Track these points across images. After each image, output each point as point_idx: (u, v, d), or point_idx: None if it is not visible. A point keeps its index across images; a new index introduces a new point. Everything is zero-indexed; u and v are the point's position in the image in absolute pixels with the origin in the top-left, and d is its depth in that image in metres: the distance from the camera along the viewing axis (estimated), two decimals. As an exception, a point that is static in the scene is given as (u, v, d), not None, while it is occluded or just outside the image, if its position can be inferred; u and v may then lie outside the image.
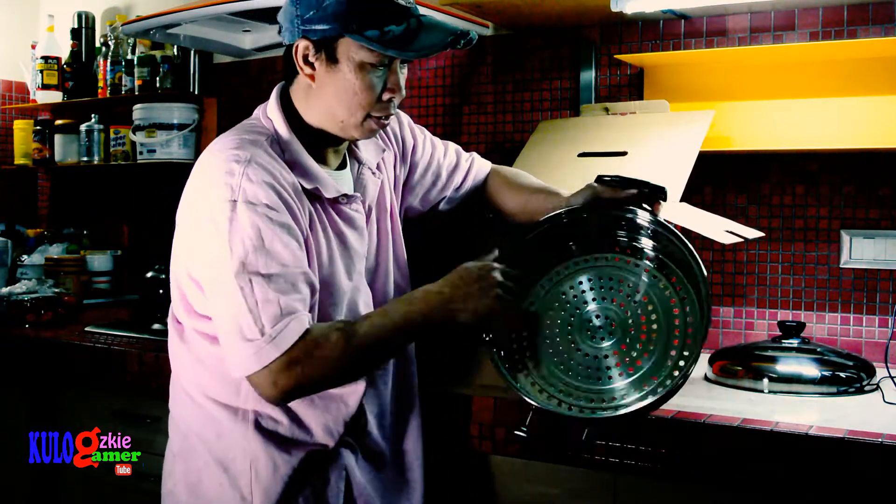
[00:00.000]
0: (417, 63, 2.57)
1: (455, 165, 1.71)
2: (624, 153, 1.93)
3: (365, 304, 1.49)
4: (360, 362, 1.33)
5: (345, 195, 1.44)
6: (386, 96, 1.38)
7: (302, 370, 1.27)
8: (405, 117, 1.69)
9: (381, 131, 1.53)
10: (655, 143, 1.93)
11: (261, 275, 1.28)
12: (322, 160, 1.46)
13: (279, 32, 1.43)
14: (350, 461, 1.48)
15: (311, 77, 1.38)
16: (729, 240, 1.71)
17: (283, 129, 1.41)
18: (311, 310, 1.34)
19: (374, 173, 1.54)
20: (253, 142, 1.37)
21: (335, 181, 1.45)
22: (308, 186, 1.39)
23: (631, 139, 1.97)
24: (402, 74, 1.40)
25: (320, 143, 1.45)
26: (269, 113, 1.44)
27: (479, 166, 1.74)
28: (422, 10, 1.42)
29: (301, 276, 1.32)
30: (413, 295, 1.36)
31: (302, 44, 1.36)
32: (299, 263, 1.32)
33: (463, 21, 2.29)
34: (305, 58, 1.37)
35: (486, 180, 1.74)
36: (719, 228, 1.74)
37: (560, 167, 1.98)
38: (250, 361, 1.27)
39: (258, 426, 1.40)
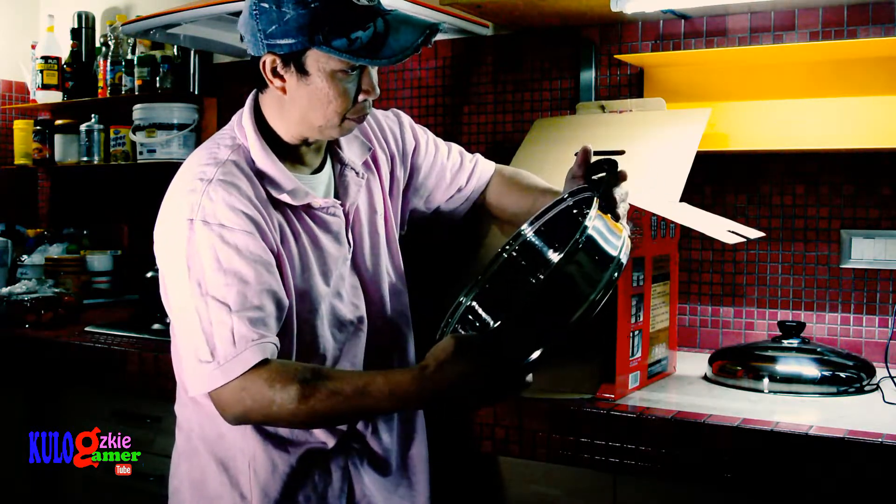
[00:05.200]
0: (418, 63, 2.57)
1: (459, 166, 1.68)
2: (622, 152, 1.92)
3: (350, 308, 1.46)
4: (313, 422, 1.29)
5: (313, 203, 1.41)
6: (361, 98, 1.36)
7: (250, 403, 1.23)
8: (406, 118, 1.66)
9: (377, 131, 1.57)
10: (653, 142, 1.93)
11: (216, 297, 1.26)
12: (300, 161, 1.44)
13: (241, 40, 1.40)
14: (353, 462, 1.48)
15: (283, 90, 1.36)
16: (732, 239, 1.70)
17: (253, 139, 1.39)
18: (283, 322, 1.33)
19: (358, 174, 1.50)
20: (221, 157, 1.37)
21: (309, 185, 1.42)
22: (276, 195, 1.37)
23: (628, 138, 1.96)
24: (375, 73, 1.37)
25: (296, 145, 1.43)
26: (243, 121, 1.42)
27: (483, 167, 1.71)
28: (390, 3, 1.38)
29: (265, 294, 1.28)
30: (403, 376, 1.21)
31: (269, 59, 1.33)
32: (262, 280, 1.28)
33: (462, 21, 2.29)
34: (274, 70, 1.34)
35: (490, 181, 1.72)
36: (721, 228, 1.74)
37: (557, 166, 1.97)
38: (201, 383, 1.25)
39: (257, 426, 1.40)
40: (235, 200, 1.31)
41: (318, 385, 1.21)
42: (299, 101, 1.36)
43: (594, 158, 1.50)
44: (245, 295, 1.26)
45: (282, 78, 1.34)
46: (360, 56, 1.28)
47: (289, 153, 1.43)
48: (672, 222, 1.88)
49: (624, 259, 1.24)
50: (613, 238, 1.27)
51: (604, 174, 1.44)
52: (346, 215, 1.47)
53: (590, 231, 1.22)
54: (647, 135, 1.96)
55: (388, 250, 1.56)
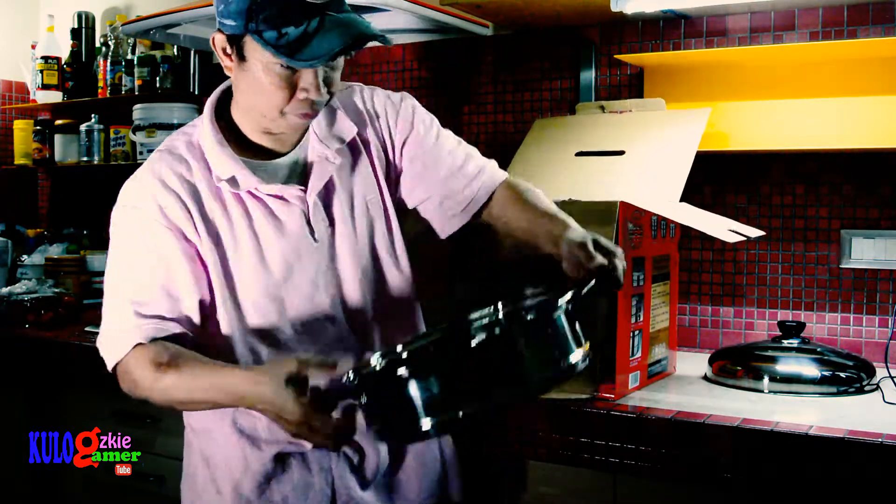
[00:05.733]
0: (418, 63, 2.58)
1: (458, 168, 1.50)
2: (621, 152, 1.93)
3: (310, 303, 1.39)
4: (172, 405, 1.34)
5: (256, 190, 1.37)
6: (301, 96, 1.30)
7: (128, 384, 1.33)
8: (410, 102, 1.53)
9: (371, 111, 1.48)
10: (653, 142, 1.93)
11: (115, 285, 1.35)
12: (260, 146, 1.40)
13: None
14: (338, 467, 1.42)
15: (230, 69, 1.34)
16: (733, 238, 1.71)
17: (207, 124, 1.40)
18: (212, 312, 1.36)
19: (328, 158, 1.41)
20: (173, 144, 1.42)
21: (265, 171, 1.38)
22: (224, 177, 1.36)
23: (628, 138, 1.97)
24: (321, 73, 1.29)
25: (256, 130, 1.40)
26: (207, 104, 1.43)
27: (489, 175, 1.52)
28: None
29: (158, 290, 1.33)
30: (236, 378, 1.25)
31: (218, 37, 1.31)
32: (160, 270, 1.33)
33: (462, 21, 2.29)
34: (224, 50, 1.32)
35: (496, 192, 1.53)
36: (722, 227, 1.74)
37: (558, 167, 1.98)
38: (104, 355, 1.36)
39: (235, 423, 1.40)
40: (159, 189, 1.35)
41: (169, 370, 1.27)
42: (242, 87, 1.34)
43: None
44: (140, 288, 1.33)
45: (230, 58, 1.32)
46: (280, 52, 1.23)
47: (247, 142, 1.40)
48: (672, 222, 1.88)
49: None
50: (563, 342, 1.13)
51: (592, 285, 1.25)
52: (307, 202, 1.39)
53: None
54: (646, 135, 1.96)
55: (387, 240, 1.47)
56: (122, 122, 3.00)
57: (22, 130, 3.30)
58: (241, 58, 1.30)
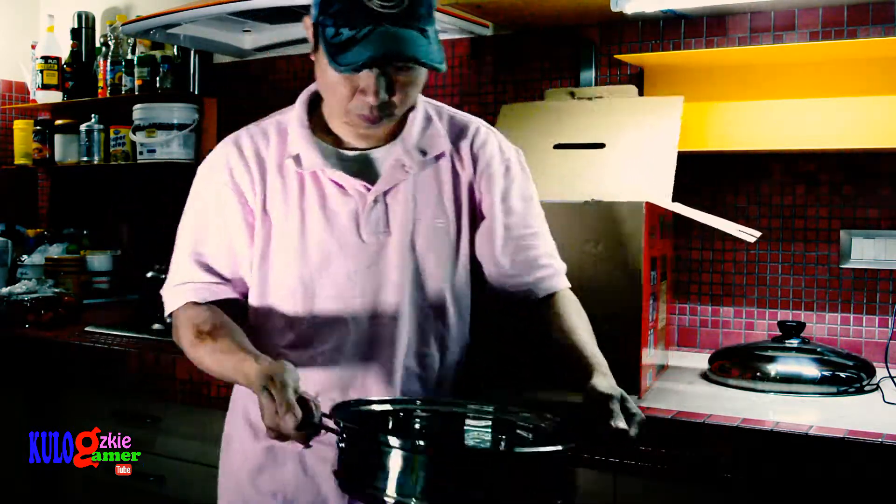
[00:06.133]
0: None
1: (528, 253, 1.43)
2: (602, 145, 1.87)
3: (339, 302, 1.36)
4: (203, 371, 1.38)
5: (321, 174, 1.37)
6: (359, 98, 1.28)
7: (173, 333, 1.41)
8: (515, 156, 1.46)
9: (474, 143, 1.44)
10: (632, 134, 1.86)
11: (182, 238, 1.42)
12: (343, 139, 1.40)
13: None
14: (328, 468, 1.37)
15: (312, 56, 1.34)
16: (744, 236, 1.71)
17: (297, 106, 1.42)
18: (233, 281, 1.40)
19: (405, 165, 1.37)
20: (256, 123, 1.44)
21: (334, 160, 1.37)
22: (291, 154, 1.37)
23: (604, 127, 1.90)
24: (382, 78, 1.25)
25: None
26: (305, 91, 1.45)
27: (551, 277, 1.44)
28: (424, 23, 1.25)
29: (219, 249, 1.39)
30: (250, 365, 1.23)
31: (306, 20, 1.31)
32: (223, 233, 1.39)
33: (462, 21, 2.29)
34: (313, 34, 1.31)
35: (550, 297, 1.44)
36: (734, 228, 1.74)
37: (537, 160, 1.80)
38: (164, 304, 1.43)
39: (244, 411, 1.44)
40: (233, 154, 1.39)
41: (206, 341, 1.33)
42: (317, 75, 1.34)
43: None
44: (203, 241, 1.39)
45: (316, 43, 1.30)
46: (328, 50, 1.23)
47: (328, 131, 1.41)
48: (669, 221, 1.88)
49: None
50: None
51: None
52: (366, 199, 1.36)
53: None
54: (623, 124, 1.89)
55: (446, 271, 1.40)
56: (122, 122, 3.00)
57: (22, 130, 3.30)
58: (316, 46, 1.30)
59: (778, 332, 1.87)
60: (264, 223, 1.38)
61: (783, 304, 2.10)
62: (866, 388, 1.73)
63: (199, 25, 2.55)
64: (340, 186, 1.36)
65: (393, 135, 1.40)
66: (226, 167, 1.39)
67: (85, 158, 3.09)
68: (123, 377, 2.19)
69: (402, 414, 1.28)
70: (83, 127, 3.09)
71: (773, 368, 1.76)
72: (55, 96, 3.16)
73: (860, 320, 2.03)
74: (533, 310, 1.44)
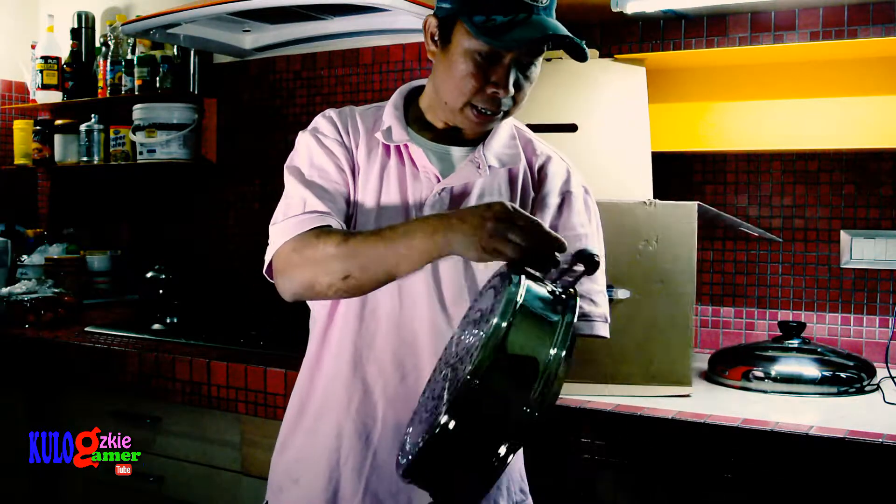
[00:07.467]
0: (419, 63, 2.57)
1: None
2: (574, 127, 1.86)
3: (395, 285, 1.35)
4: (350, 261, 1.28)
5: (406, 150, 1.41)
6: (489, 90, 1.32)
7: (297, 259, 1.30)
8: (580, 191, 1.46)
9: (545, 164, 1.46)
10: (598, 110, 1.87)
11: (300, 175, 1.39)
12: (432, 130, 1.44)
13: None
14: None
15: (433, 55, 1.39)
16: (768, 236, 1.72)
17: (394, 97, 1.47)
18: (345, 221, 1.39)
19: (479, 167, 1.40)
20: (356, 105, 1.51)
21: (421, 144, 1.41)
22: (383, 127, 1.43)
23: (572, 98, 1.89)
24: (514, 71, 1.32)
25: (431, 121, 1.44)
26: (399, 89, 1.49)
27: (591, 321, 1.41)
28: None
29: (335, 186, 1.39)
30: (432, 217, 1.25)
31: (431, 21, 1.38)
32: (336, 178, 1.40)
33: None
34: (432, 36, 1.38)
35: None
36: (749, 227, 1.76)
37: None
38: (268, 251, 1.36)
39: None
40: (338, 120, 1.45)
41: (357, 235, 1.29)
42: (438, 72, 1.38)
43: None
44: (322, 183, 1.38)
45: (435, 43, 1.37)
46: (483, 34, 1.28)
47: (421, 123, 1.45)
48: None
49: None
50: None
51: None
52: (432, 188, 1.39)
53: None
54: (588, 97, 1.89)
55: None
56: (122, 122, 3.00)
57: (22, 130, 3.30)
58: (446, 41, 1.34)
59: (778, 332, 1.87)
60: (350, 183, 1.42)
61: (783, 304, 2.10)
62: (867, 388, 1.73)
63: (198, 25, 2.55)
64: (416, 168, 1.41)
65: (476, 141, 1.44)
66: (332, 124, 1.45)
67: (85, 158, 3.09)
68: (123, 377, 2.19)
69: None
70: (83, 127, 3.10)
71: (773, 368, 1.77)
72: (55, 96, 3.16)
73: (860, 320, 2.03)
74: None
